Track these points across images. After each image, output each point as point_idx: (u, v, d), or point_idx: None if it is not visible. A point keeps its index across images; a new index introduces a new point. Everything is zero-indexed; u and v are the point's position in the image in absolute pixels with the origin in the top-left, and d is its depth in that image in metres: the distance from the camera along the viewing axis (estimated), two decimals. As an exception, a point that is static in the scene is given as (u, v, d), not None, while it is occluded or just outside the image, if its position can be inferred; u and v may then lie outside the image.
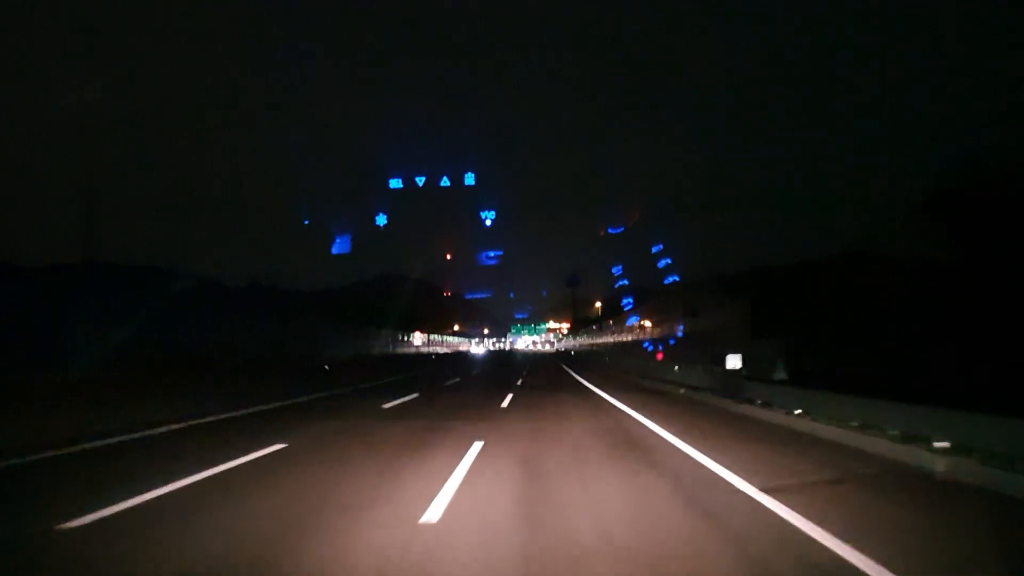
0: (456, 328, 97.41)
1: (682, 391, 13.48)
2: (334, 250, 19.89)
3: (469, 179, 17.10)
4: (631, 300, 40.49)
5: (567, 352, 68.56)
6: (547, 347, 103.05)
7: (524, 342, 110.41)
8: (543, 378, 21.09)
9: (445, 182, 17.05)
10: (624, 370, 23.14)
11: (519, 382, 18.40)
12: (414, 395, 13.45)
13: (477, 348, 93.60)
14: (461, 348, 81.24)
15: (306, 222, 23.00)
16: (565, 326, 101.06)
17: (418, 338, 37.48)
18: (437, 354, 42.58)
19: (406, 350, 37.46)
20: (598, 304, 77.02)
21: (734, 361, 11.08)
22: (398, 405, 11.29)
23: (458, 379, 20.37)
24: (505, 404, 11.43)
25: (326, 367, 17.24)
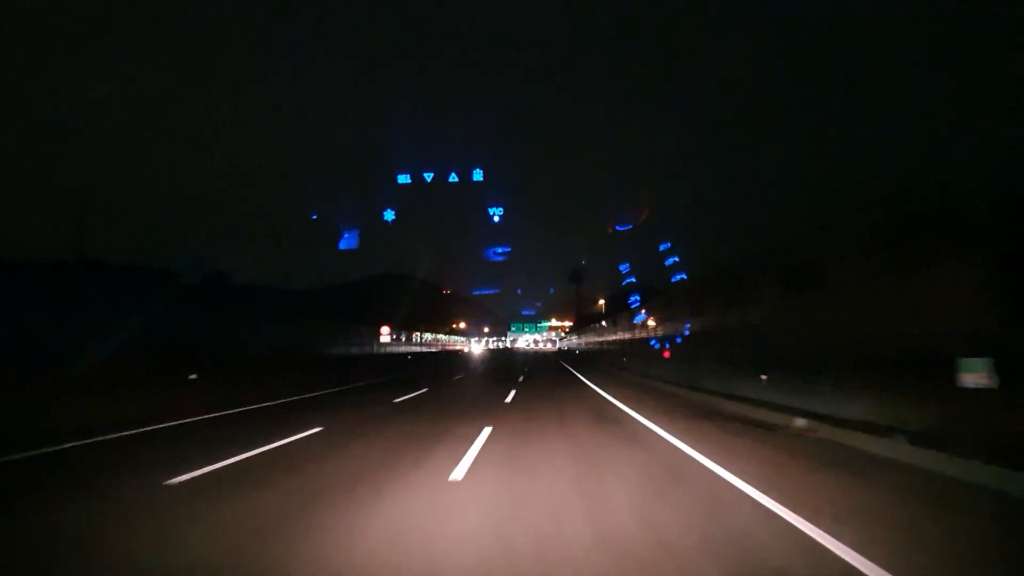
0: (455, 326, 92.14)
1: (800, 423, 7.39)
2: (342, 245, 19.58)
3: (477, 175, 17.00)
4: (638, 297, 39.47)
5: (571, 351, 62.42)
6: (548, 346, 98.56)
7: (525, 340, 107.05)
8: (546, 391, 15.02)
9: (453, 178, 17.05)
10: (654, 377, 17.06)
11: (509, 397, 12.35)
12: (315, 429, 7.44)
13: (474, 347, 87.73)
14: (456, 347, 75.32)
15: (314, 216, 22.51)
16: (567, 324, 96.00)
17: (385, 335, 31.41)
18: (413, 354, 36.48)
19: (382, 350, 31.57)
20: (601, 301, 71.71)
21: (975, 372, 5.02)
22: (217, 471, 5.23)
23: (425, 390, 14.35)
24: (466, 466, 5.39)
25: (191, 377, 11.29)
